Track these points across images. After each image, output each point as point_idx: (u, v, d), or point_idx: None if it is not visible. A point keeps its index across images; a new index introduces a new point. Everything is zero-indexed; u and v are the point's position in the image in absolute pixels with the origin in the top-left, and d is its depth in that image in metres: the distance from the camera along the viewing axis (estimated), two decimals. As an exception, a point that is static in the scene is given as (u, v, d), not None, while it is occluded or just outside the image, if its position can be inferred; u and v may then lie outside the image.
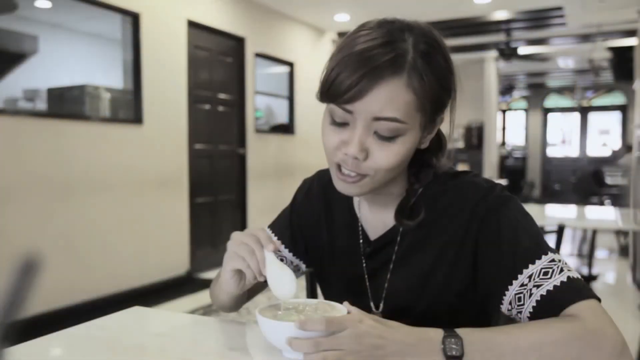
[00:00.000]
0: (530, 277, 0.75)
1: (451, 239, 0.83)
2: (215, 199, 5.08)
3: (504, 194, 0.83)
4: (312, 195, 1.03)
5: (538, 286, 0.74)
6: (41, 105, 4.77)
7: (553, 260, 0.76)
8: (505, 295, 0.77)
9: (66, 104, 4.14)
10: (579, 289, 0.73)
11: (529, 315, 0.75)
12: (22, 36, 4.04)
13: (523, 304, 0.75)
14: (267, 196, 5.68)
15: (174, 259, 4.52)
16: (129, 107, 4.18)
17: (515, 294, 0.76)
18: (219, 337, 0.87)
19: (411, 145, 0.79)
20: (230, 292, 0.88)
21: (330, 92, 0.77)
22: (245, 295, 0.97)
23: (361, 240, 0.94)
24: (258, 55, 5.60)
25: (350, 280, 0.94)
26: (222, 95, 5.14)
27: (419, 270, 0.86)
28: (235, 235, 0.84)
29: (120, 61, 4.26)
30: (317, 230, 1.00)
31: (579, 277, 0.75)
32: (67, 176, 3.60)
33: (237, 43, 5.33)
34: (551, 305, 0.73)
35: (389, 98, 0.74)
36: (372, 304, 0.91)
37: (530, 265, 0.76)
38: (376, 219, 0.92)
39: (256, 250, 0.80)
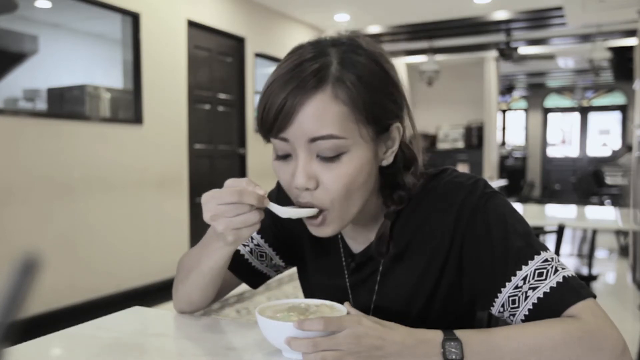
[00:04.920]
0: (524, 279, 0.73)
1: (438, 243, 0.80)
2: (215, 199, 5.07)
3: (488, 191, 0.80)
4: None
5: (534, 288, 0.72)
6: (41, 105, 4.76)
7: (546, 260, 0.74)
8: (497, 297, 0.75)
9: (66, 104, 4.14)
10: (575, 290, 0.71)
11: (523, 318, 0.73)
12: (22, 36, 4.04)
13: (517, 307, 0.73)
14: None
15: (174, 259, 4.47)
16: (129, 107, 4.18)
17: (509, 297, 0.74)
18: (219, 337, 0.87)
19: (362, 162, 0.74)
20: (217, 264, 0.85)
21: (263, 123, 0.74)
22: (216, 291, 0.96)
23: (343, 254, 0.91)
24: (258, 55, 5.60)
25: (333, 293, 0.89)
26: (222, 95, 5.14)
27: (407, 279, 0.83)
28: (212, 201, 0.74)
29: (120, 61, 4.26)
30: (300, 234, 0.94)
31: (574, 274, 0.73)
32: (67, 176, 3.60)
33: (237, 43, 5.33)
34: (548, 308, 0.71)
35: (318, 114, 0.70)
36: None
37: (523, 267, 0.74)
38: (358, 233, 0.89)
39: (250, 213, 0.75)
